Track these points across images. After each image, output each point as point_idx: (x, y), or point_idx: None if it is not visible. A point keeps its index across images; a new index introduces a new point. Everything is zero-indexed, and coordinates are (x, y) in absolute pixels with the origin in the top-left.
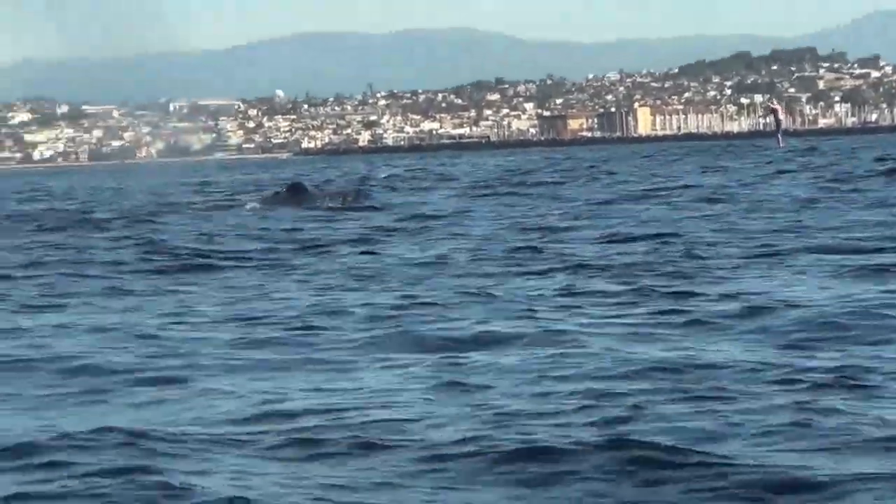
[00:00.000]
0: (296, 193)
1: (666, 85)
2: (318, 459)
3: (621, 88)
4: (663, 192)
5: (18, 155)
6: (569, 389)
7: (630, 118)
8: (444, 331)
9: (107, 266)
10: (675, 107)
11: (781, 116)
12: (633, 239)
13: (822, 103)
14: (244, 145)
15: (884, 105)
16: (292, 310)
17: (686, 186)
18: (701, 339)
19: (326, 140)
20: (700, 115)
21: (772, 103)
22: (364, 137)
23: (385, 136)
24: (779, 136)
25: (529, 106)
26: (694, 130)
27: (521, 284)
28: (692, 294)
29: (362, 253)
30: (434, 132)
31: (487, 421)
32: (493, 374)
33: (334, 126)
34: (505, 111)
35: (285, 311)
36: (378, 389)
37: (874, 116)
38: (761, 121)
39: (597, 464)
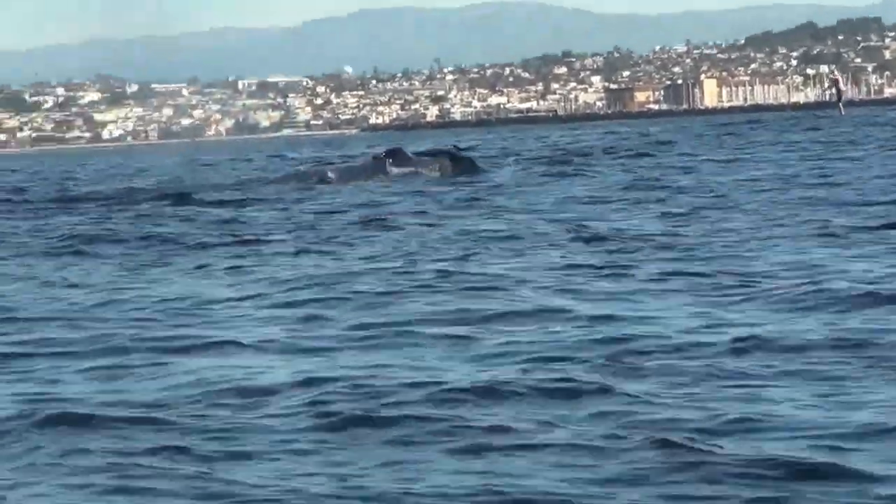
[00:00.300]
0: (399, 160)
1: (732, 56)
2: None
3: (688, 60)
4: None
5: (88, 134)
6: None
7: (696, 90)
8: None
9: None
10: (741, 78)
11: (843, 87)
12: None
13: (887, 73)
14: (312, 122)
15: None
16: None
17: None
18: None
19: (394, 116)
20: (766, 87)
21: (833, 74)
22: (432, 112)
23: (452, 111)
24: (840, 105)
25: (596, 79)
26: (760, 102)
27: None
28: None
29: None
30: (501, 106)
31: None
32: None
33: (402, 102)
34: (572, 84)
35: None
36: None
37: None
38: (828, 93)
39: None
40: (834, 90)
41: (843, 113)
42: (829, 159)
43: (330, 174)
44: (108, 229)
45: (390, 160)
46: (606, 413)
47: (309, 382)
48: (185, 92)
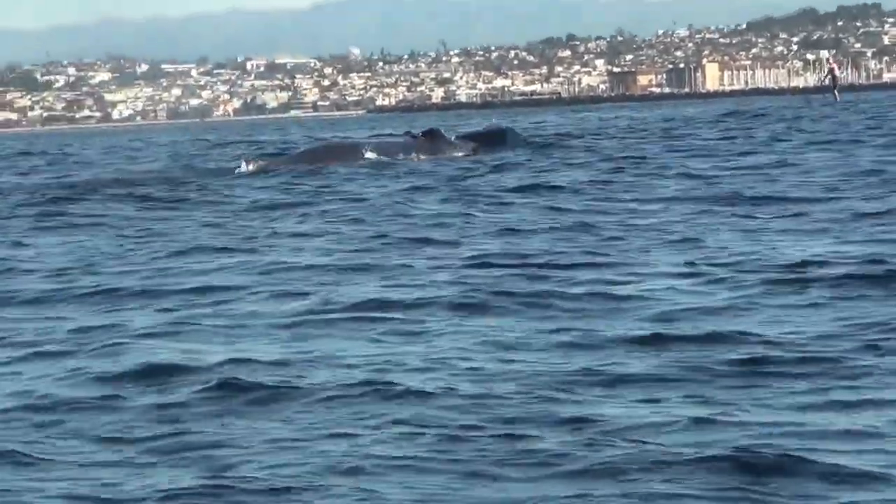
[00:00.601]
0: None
1: (734, 41)
2: None
3: (690, 45)
4: None
5: (98, 114)
6: None
7: (698, 74)
8: None
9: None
10: (742, 62)
11: (838, 73)
12: None
13: (886, 58)
14: (319, 103)
15: None
16: None
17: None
18: None
19: (400, 97)
20: (767, 71)
21: (829, 63)
22: (437, 94)
23: (458, 93)
24: (835, 91)
25: (600, 62)
26: (761, 86)
27: None
28: None
29: None
30: (506, 89)
31: None
32: None
33: (408, 83)
34: (576, 68)
35: None
36: None
37: None
38: (827, 79)
39: None
40: (830, 77)
41: (838, 99)
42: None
43: (368, 153)
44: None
45: (425, 139)
46: None
47: None
48: (193, 72)
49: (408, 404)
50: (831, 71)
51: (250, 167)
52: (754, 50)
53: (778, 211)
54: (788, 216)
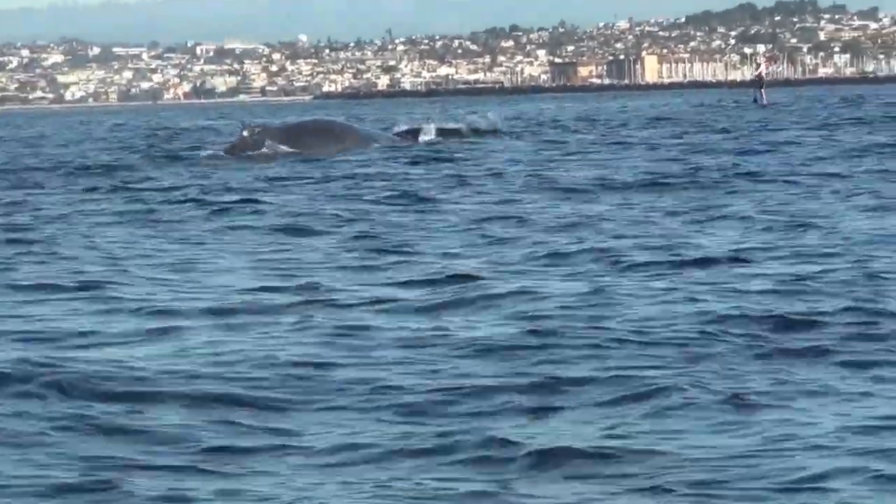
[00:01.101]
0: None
1: (673, 34)
2: None
3: (630, 37)
4: None
5: (51, 95)
6: None
7: (638, 66)
8: None
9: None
10: (681, 55)
11: (765, 73)
12: None
13: (822, 53)
14: (267, 88)
15: (881, 56)
16: None
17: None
18: None
19: (346, 84)
20: (705, 64)
21: (758, 58)
22: (382, 82)
23: (403, 80)
24: (761, 91)
25: (541, 53)
26: (699, 79)
27: None
28: None
29: None
30: (450, 77)
31: None
32: None
33: (354, 71)
34: (518, 58)
35: None
36: None
37: (871, 67)
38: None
39: None
40: (756, 75)
41: (765, 101)
42: None
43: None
44: None
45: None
46: None
47: None
48: (144, 56)
49: None
50: (758, 67)
51: (245, 133)
52: (693, 43)
53: None
54: None
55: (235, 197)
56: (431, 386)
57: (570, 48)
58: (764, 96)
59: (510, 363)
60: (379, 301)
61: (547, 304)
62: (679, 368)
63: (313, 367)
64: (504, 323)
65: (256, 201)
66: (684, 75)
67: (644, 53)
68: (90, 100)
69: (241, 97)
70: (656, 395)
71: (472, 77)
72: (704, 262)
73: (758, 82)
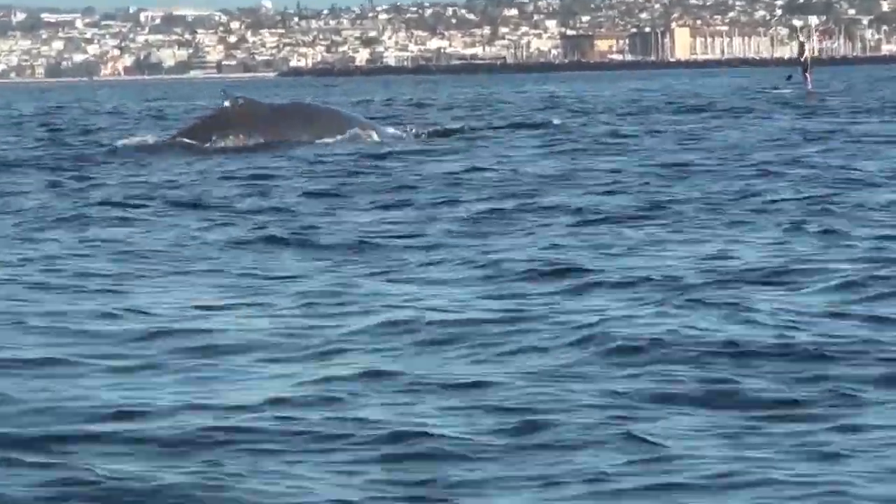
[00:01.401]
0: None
1: (708, 3)
2: None
3: (657, 5)
4: None
5: None
6: None
7: (666, 40)
8: None
9: None
10: (718, 28)
11: (807, 52)
12: None
13: (885, 27)
14: (224, 62)
15: None
16: None
17: None
18: None
19: (318, 59)
20: (746, 39)
21: (799, 35)
22: (362, 56)
23: (385, 55)
24: (807, 75)
25: (551, 24)
26: (739, 55)
27: None
28: None
29: None
30: (442, 51)
31: None
32: None
33: (328, 43)
34: (524, 29)
35: None
36: None
37: None
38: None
39: None
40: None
41: (810, 86)
42: None
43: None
44: None
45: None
46: None
47: None
48: (78, 23)
49: None
50: (801, 46)
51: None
52: (731, 14)
53: None
54: None
55: None
56: None
57: (586, 18)
58: (809, 81)
59: None
60: None
61: None
62: None
63: None
64: None
65: None
66: (722, 51)
67: (674, 25)
68: (12, 74)
69: (193, 73)
70: None
71: (469, 52)
72: None
73: (802, 63)
